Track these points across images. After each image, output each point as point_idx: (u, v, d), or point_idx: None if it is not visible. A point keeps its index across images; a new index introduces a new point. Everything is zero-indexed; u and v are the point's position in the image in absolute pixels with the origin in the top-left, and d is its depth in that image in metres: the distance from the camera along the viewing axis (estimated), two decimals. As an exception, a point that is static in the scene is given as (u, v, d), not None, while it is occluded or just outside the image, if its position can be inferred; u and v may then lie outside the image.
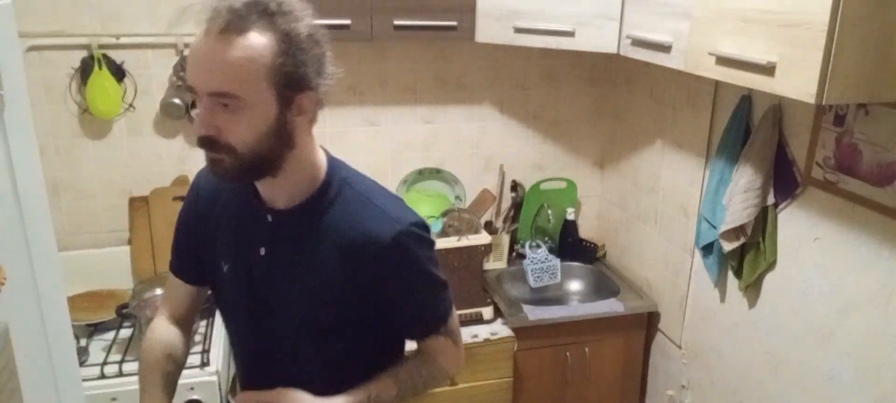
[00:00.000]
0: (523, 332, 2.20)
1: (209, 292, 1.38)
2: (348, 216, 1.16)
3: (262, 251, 1.20)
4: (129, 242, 2.27)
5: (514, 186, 2.56)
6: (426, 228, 1.20)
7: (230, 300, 1.28)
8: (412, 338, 1.33)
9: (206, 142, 1.06)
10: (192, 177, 2.37)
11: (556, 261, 2.47)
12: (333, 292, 1.17)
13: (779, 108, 1.74)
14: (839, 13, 1.19)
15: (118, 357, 1.84)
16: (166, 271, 1.39)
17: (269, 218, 1.18)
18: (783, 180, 1.75)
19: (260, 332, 1.26)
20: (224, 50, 1.00)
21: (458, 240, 2.15)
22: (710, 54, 1.50)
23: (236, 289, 1.24)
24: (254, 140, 1.06)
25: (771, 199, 1.78)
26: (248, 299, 1.23)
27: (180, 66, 2.16)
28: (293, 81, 1.07)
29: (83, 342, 1.92)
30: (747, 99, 1.84)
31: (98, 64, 2.09)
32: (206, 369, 1.82)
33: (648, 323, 2.38)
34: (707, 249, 2.01)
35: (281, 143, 1.10)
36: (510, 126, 2.55)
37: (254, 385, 1.27)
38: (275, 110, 1.07)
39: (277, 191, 1.17)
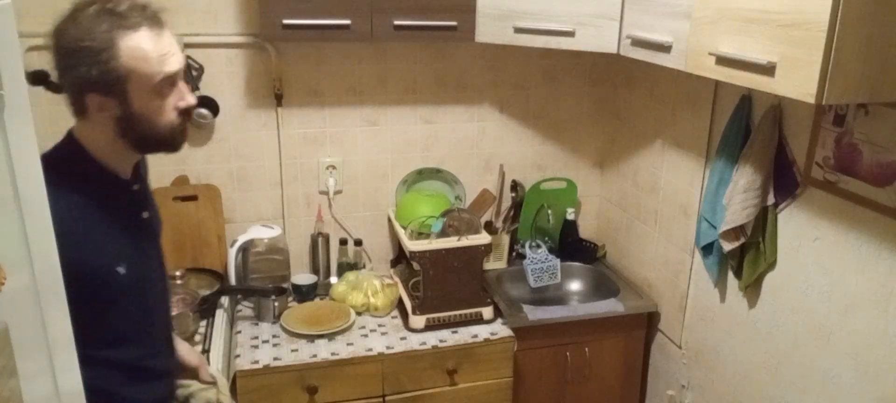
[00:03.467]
0: (523, 332, 2.20)
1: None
2: (144, 167, 1.43)
3: (145, 214, 1.36)
4: (129, 242, 2.27)
5: (514, 186, 2.56)
6: None
7: (135, 287, 1.32)
8: None
9: (187, 112, 1.27)
10: (192, 178, 2.37)
11: (556, 261, 2.47)
12: None
13: (779, 108, 1.74)
14: (839, 13, 1.19)
15: (118, 357, 1.84)
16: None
17: (135, 186, 1.35)
18: (783, 180, 1.75)
19: (162, 289, 1.46)
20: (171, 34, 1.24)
21: (458, 240, 2.15)
22: (711, 54, 1.50)
23: (138, 268, 1.32)
24: None
25: (771, 199, 1.78)
26: (154, 264, 1.41)
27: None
28: None
29: (83, 342, 1.92)
30: (747, 99, 1.84)
31: (98, 64, 2.08)
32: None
33: (648, 323, 2.38)
34: (707, 249, 2.02)
35: None
36: (510, 126, 2.55)
37: (162, 349, 1.46)
38: None
39: (131, 163, 1.33)
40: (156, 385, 1.43)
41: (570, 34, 1.96)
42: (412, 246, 2.13)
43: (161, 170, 2.27)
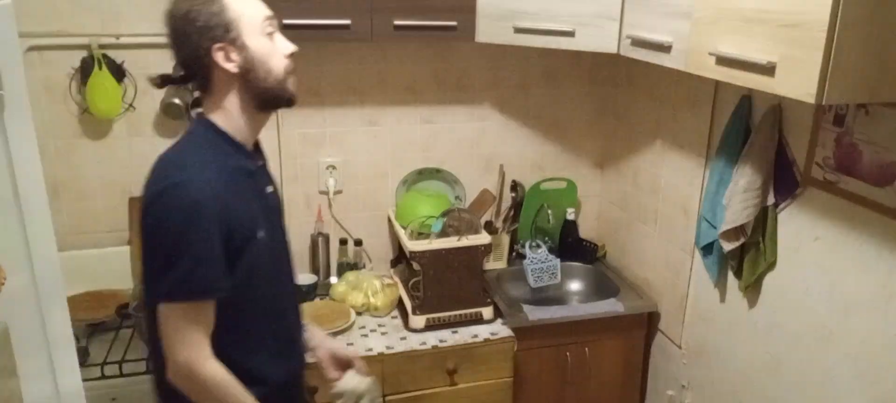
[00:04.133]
0: (523, 332, 2.20)
1: None
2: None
3: (270, 189, 1.44)
4: (129, 242, 2.27)
5: (514, 186, 2.56)
6: None
7: (269, 257, 1.39)
8: None
9: (292, 59, 1.36)
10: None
11: (556, 261, 2.47)
12: None
13: (779, 108, 1.74)
14: (839, 13, 1.19)
15: (118, 357, 1.85)
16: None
17: (259, 162, 1.43)
18: (783, 180, 1.75)
19: (289, 268, 1.53)
20: None
21: (458, 240, 2.15)
22: (711, 54, 1.50)
23: (271, 239, 1.39)
24: None
25: (771, 199, 1.78)
26: (281, 236, 1.48)
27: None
28: None
29: (83, 342, 1.92)
30: (747, 99, 1.84)
31: (98, 64, 2.09)
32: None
33: (648, 323, 2.38)
34: (707, 249, 2.02)
35: None
36: (510, 126, 2.55)
37: (292, 330, 1.52)
38: None
39: (256, 134, 1.41)
40: (291, 360, 1.50)
41: (570, 34, 1.96)
42: (412, 246, 2.13)
43: (161, 170, 2.27)
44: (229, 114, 1.33)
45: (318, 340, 1.64)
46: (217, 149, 1.32)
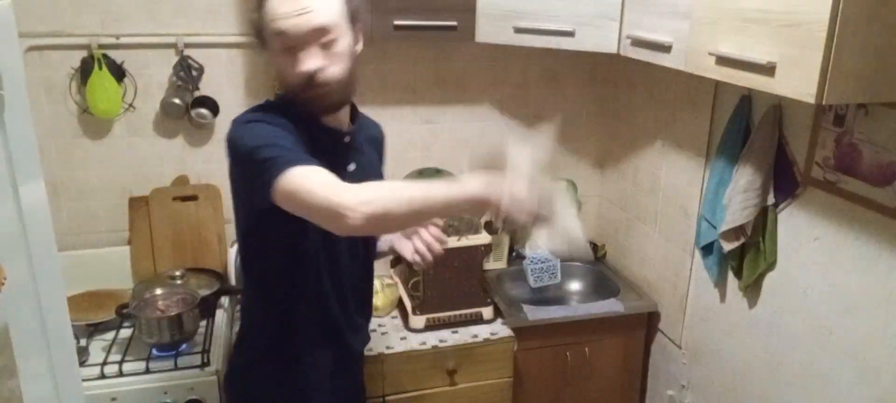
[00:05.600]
0: (523, 332, 2.20)
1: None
2: (365, 121, 1.53)
3: (351, 167, 1.42)
4: (129, 242, 2.27)
5: (514, 186, 2.55)
6: None
7: (324, 239, 1.34)
8: None
9: (309, 80, 1.27)
10: (192, 178, 2.37)
11: (556, 261, 2.47)
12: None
13: (779, 108, 1.74)
14: (839, 13, 1.19)
15: (118, 357, 1.84)
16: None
17: (347, 139, 1.42)
18: (783, 180, 1.75)
19: (357, 251, 1.50)
20: None
21: (458, 240, 2.15)
22: (711, 54, 1.50)
23: None
24: (346, 69, 1.31)
25: (771, 199, 1.78)
26: None
27: (180, 66, 2.16)
28: (355, 16, 1.34)
29: (83, 342, 1.92)
30: (747, 99, 1.84)
31: (98, 64, 2.09)
32: (206, 369, 1.82)
33: (648, 323, 2.38)
34: (707, 249, 2.02)
35: (356, 70, 1.35)
36: (510, 126, 2.55)
37: (341, 320, 1.51)
38: (351, 41, 1.33)
39: (342, 115, 1.40)
40: (342, 350, 1.52)
41: (570, 34, 1.96)
42: (412, 246, 2.13)
43: (161, 169, 2.27)
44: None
45: (386, 243, 1.63)
46: (291, 112, 1.31)
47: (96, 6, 2.09)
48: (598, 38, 1.93)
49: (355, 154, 1.44)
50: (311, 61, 1.27)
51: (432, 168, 2.51)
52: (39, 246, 1.24)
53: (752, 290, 1.89)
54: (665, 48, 1.69)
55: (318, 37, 1.26)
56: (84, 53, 2.10)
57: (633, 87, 2.45)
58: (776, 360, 1.83)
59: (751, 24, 1.39)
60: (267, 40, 1.30)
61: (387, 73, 2.37)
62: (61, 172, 2.20)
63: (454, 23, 2.06)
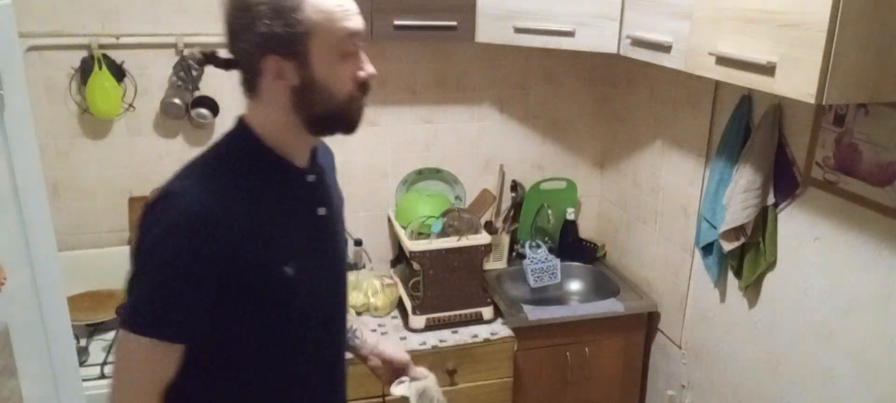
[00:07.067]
0: (523, 332, 2.20)
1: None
2: (319, 148, 1.29)
3: (321, 211, 1.21)
4: (129, 242, 2.27)
5: (514, 186, 2.56)
6: None
7: (305, 293, 1.16)
8: None
9: (365, 85, 1.18)
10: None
11: (556, 261, 2.47)
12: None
13: (779, 108, 1.74)
14: (839, 13, 1.19)
15: (118, 357, 1.84)
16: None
17: (309, 178, 1.20)
18: (783, 180, 1.75)
19: (337, 299, 1.28)
20: None
21: (458, 240, 2.15)
22: (711, 54, 1.50)
23: (309, 275, 1.16)
24: None
25: (771, 199, 1.78)
26: (332, 270, 1.25)
27: (180, 66, 2.16)
28: None
29: (83, 342, 1.92)
30: (747, 99, 1.84)
31: (98, 64, 2.09)
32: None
33: (648, 323, 2.38)
34: (707, 249, 2.02)
35: None
36: (510, 126, 2.55)
37: (333, 365, 1.28)
38: None
39: (306, 148, 1.20)
40: None
41: (570, 34, 1.96)
42: (412, 246, 2.13)
43: (161, 169, 2.27)
44: (273, 126, 1.12)
45: (370, 347, 1.45)
46: (245, 160, 1.11)
47: (96, 6, 2.09)
48: (598, 38, 1.93)
49: (323, 196, 1.24)
50: (369, 63, 1.15)
51: (432, 168, 2.51)
52: (39, 246, 1.25)
53: (752, 290, 1.89)
54: (665, 48, 1.69)
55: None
56: (84, 53, 2.10)
57: (632, 87, 2.45)
58: (776, 360, 1.83)
59: (751, 24, 1.39)
60: (311, 50, 1.07)
61: (387, 73, 2.37)
62: (61, 172, 2.20)
63: (454, 23, 2.06)
